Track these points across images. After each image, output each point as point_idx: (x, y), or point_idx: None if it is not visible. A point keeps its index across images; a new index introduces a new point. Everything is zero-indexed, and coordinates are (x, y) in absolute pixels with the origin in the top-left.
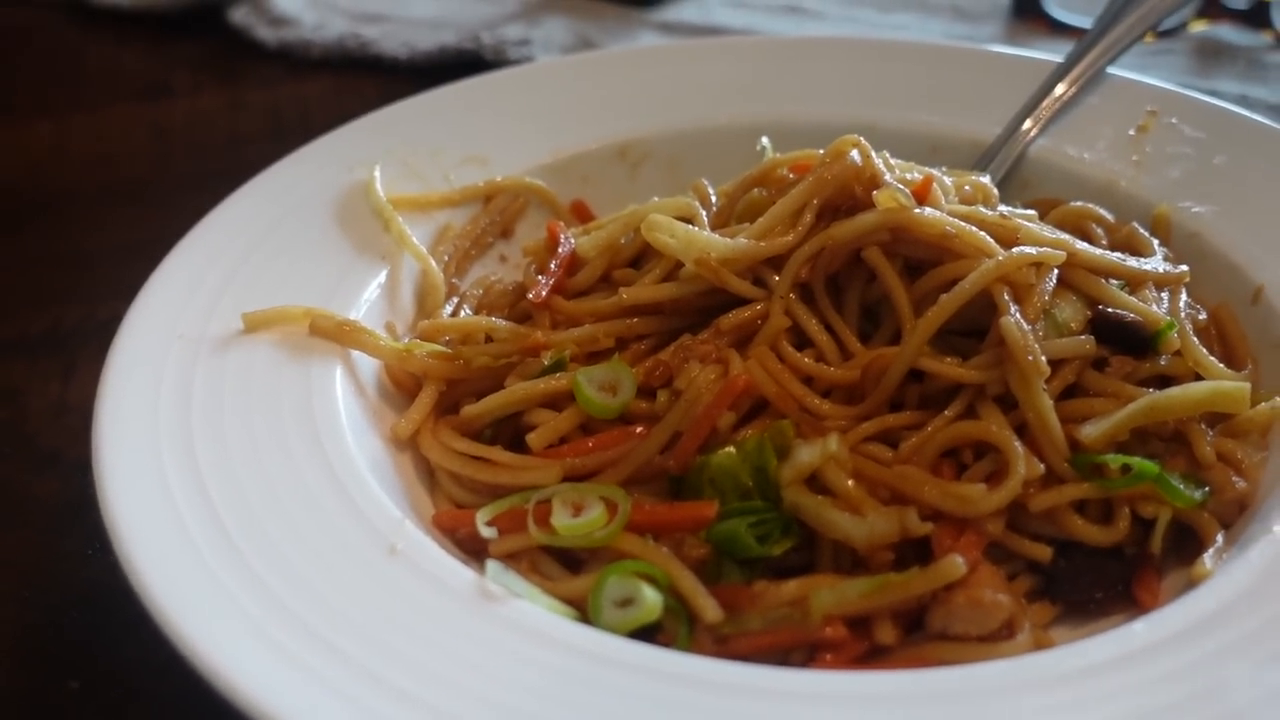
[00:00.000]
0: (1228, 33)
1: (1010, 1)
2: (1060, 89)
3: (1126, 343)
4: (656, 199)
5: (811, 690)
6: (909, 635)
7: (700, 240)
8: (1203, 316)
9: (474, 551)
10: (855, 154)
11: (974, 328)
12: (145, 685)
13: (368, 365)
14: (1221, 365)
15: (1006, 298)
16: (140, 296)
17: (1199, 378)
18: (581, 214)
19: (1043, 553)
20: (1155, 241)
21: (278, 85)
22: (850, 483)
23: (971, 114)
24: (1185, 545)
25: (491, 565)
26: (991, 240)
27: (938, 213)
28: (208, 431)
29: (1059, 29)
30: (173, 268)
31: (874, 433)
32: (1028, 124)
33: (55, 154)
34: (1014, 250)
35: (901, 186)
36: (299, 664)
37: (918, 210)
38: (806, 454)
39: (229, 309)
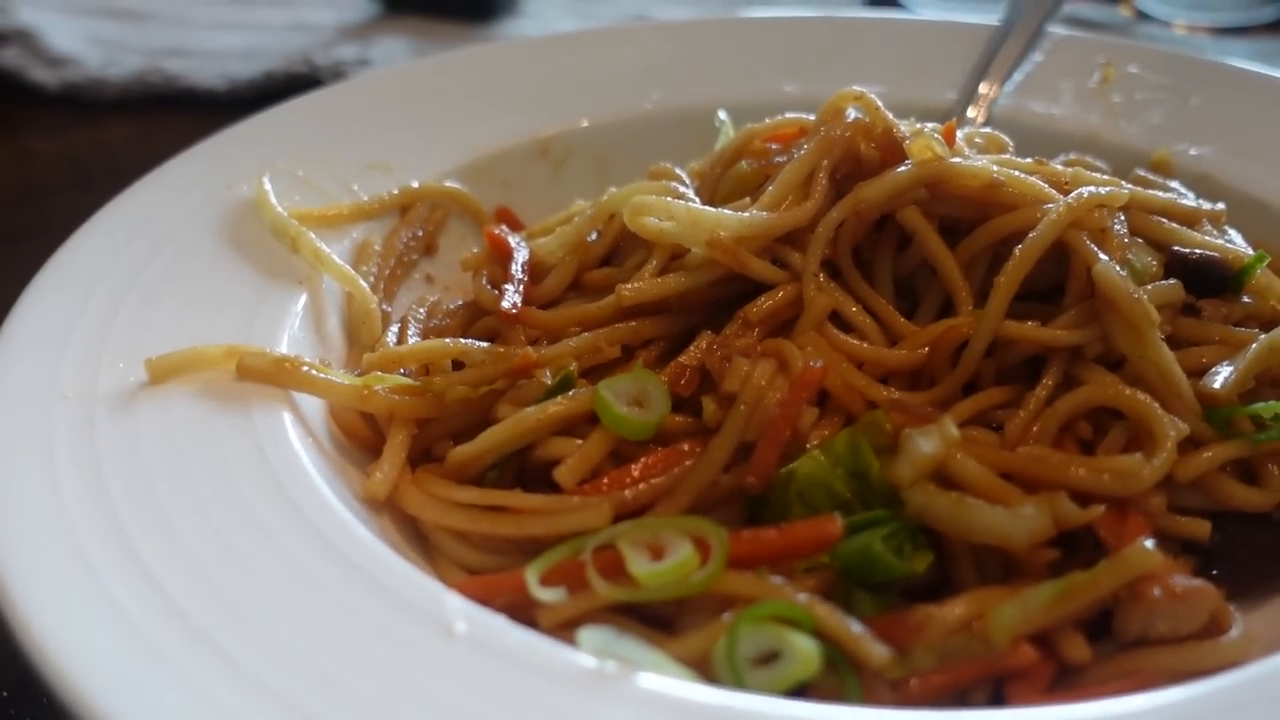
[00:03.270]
0: (1088, 10)
1: None
2: (1009, 47)
3: (1207, 284)
4: (614, 189)
5: None
6: (1095, 646)
7: (708, 218)
8: None
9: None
10: (851, 110)
11: (1032, 289)
12: None
13: (312, 412)
14: None
15: (1089, 244)
16: None
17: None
18: (507, 221)
19: (1201, 529)
20: (1175, 183)
21: (70, 131)
22: (989, 472)
23: (919, 80)
24: None
25: (589, 634)
26: (1046, 186)
27: (978, 161)
28: (141, 519)
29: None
30: (25, 320)
31: (969, 415)
32: (984, 85)
33: None
34: (1081, 191)
35: (935, 135)
36: None
37: (956, 159)
38: (926, 444)
39: (120, 359)
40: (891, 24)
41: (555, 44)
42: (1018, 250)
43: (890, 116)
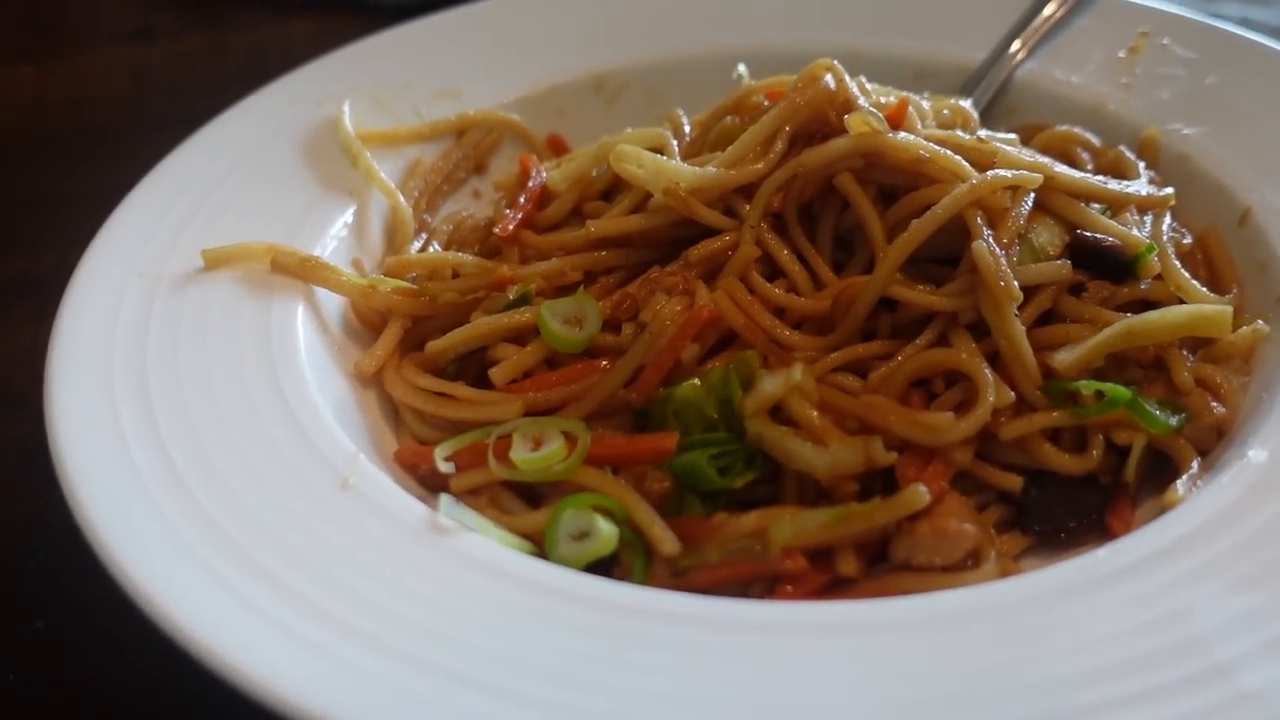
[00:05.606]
0: None
1: None
2: (1049, 10)
3: (1105, 267)
4: (630, 130)
5: (767, 622)
6: (873, 567)
7: (669, 169)
8: (1188, 240)
9: (436, 488)
10: (829, 78)
11: (950, 255)
12: (109, 625)
13: (334, 303)
14: (1204, 289)
15: (980, 222)
16: (99, 236)
17: (1181, 302)
18: (557, 148)
19: (1013, 482)
20: (1141, 165)
21: (261, 27)
22: (814, 413)
23: (957, 38)
24: (1162, 474)
25: (445, 500)
26: (966, 164)
27: (911, 137)
28: (162, 370)
29: None
30: (133, 206)
31: (843, 363)
32: (1014, 47)
33: (35, 99)
34: (988, 173)
35: (874, 110)
36: (246, 601)
37: (890, 135)
38: (770, 384)
39: (190, 247)
40: None
41: None
42: (914, 222)
43: (853, 89)
